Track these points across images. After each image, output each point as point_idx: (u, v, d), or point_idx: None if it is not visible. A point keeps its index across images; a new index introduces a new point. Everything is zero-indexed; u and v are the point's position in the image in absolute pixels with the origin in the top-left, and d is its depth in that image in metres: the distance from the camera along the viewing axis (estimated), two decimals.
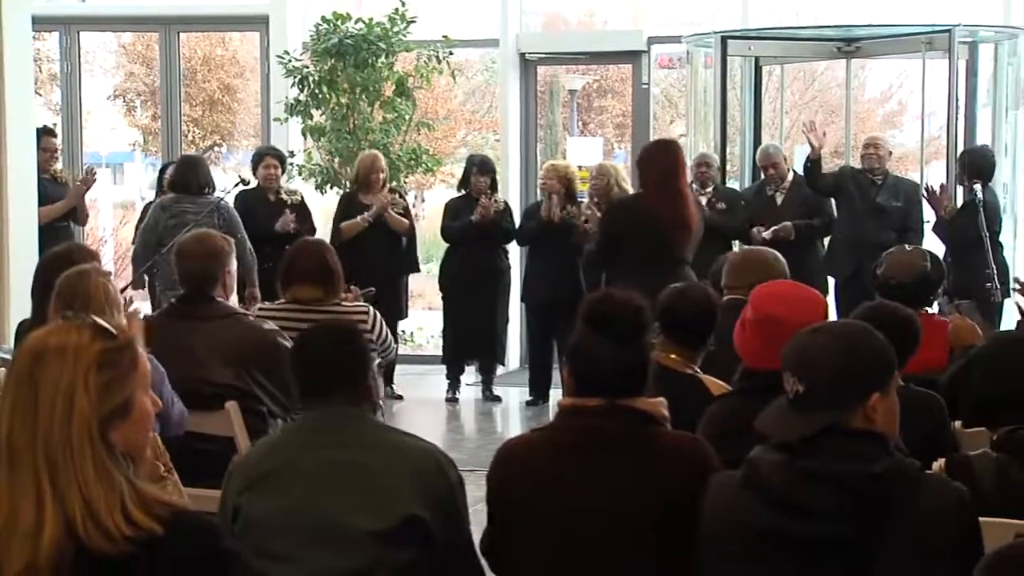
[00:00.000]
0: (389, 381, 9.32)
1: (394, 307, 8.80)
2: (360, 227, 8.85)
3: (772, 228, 8.53)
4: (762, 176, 9.08)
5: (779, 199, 8.86)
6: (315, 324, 3.51)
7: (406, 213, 9.17)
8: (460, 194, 9.35)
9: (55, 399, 2.05)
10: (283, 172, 9.19)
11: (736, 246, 8.75)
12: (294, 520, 2.99)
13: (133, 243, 8.85)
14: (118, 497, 2.03)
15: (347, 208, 9.05)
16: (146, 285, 8.42)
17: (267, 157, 9.04)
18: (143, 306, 8.36)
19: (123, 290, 5.41)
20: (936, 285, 4.88)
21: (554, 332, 8.84)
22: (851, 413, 2.60)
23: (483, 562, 3.18)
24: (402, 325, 9.58)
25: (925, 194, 8.45)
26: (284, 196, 8.90)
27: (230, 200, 8.56)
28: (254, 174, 8.99)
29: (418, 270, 9.47)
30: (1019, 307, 4.53)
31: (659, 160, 6.78)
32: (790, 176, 8.95)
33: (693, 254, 6.79)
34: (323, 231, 9.10)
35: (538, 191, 9.62)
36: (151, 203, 8.72)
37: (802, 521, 2.53)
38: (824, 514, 2.52)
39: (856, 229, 8.55)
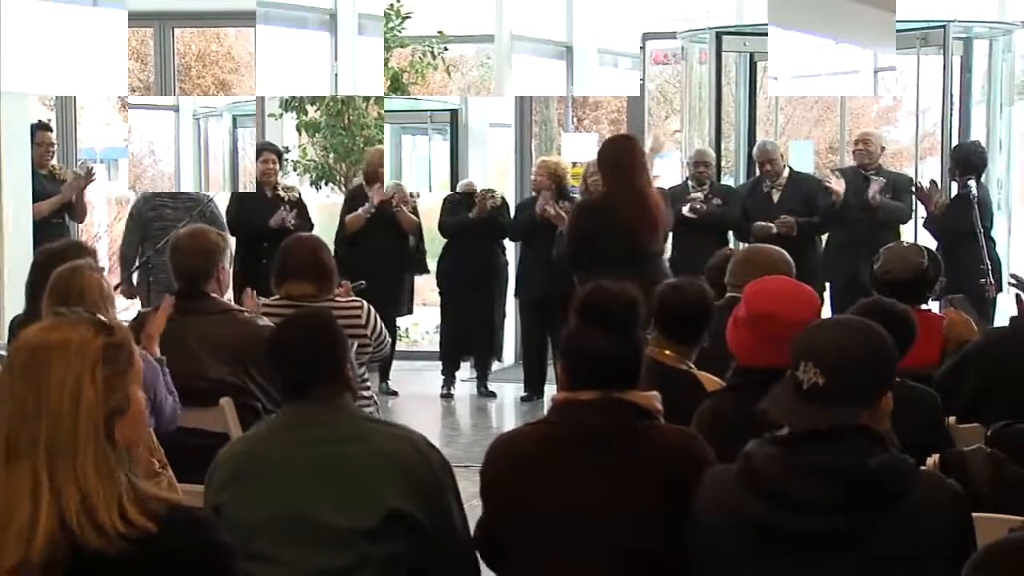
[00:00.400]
0: (385, 377, 9.33)
1: (394, 303, 8.80)
2: (362, 219, 8.85)
3: (776, 222, 8.47)
4: (757, 172, 9.07)
5: (775, 196, 8.83)
6: (289, 316, 3.49)
7: (415, 212, 9.17)
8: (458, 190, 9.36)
9: (62, 394, 2.04)
10: (280, 168, 9.18)
11: (731, 240, 8.76)
12: (276, 519, 2.96)
13: None
14: (116, 494, 2.03)
15: (352, 202, 9.06)
16: (135, 284, 8.37)
17: (265, 152, 8.99)
18: (135, 303, 8.39)
19: (116, 287, 5.41)
20: (933, 282, 4.87)
21: (548, 327, 8.79)
22: (863, 410, 2.59)
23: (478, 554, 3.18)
24: (398, 321, 9.58)
25: (915, 191, 8.47)
26: (281, 192, 8.87)
27: (226, 196, 8.54)
28: None
29: (427, 271, 9.45)
30: (1019, 300, 4.51)
31: (610, 155, 6.85)
32: (785, 172, 8.93)
33: (664, 244, 6.83)
34: (319, 227, 9.09)
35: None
36: None
37: (798, 515, 2.52)
38: (820, 508, 2.52)
39: (851, 226, 8.55)
